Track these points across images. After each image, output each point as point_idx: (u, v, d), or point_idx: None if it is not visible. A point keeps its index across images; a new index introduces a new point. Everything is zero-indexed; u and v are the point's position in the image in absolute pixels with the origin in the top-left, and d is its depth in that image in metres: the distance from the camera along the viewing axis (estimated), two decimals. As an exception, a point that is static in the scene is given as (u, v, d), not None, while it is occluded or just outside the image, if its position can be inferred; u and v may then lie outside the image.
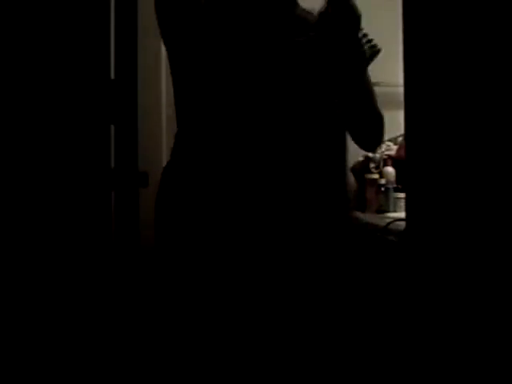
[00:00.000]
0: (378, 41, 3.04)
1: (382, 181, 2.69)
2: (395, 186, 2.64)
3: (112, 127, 1.52)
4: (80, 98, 1.44)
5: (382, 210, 2.59)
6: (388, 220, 2.00)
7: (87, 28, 1.44)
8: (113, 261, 1.65)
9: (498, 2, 1.24)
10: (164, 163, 2.21)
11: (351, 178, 2.82)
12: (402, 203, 2.46)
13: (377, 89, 2.94)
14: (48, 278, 1.53)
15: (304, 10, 1.81)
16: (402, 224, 1.65)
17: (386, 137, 2.89)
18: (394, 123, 2.50)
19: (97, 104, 1.46)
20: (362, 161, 2.85)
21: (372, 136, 1.90)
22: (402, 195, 2.48)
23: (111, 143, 1.51)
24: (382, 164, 2.78)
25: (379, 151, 2.80)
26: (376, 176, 2.72)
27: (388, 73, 2.75)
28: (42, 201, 1.49)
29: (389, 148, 2.82)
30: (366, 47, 1.81)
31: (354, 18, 1.70)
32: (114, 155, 1.58)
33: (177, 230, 1.71)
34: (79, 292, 1.55)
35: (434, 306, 1.38)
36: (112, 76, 1.50)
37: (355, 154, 2.87)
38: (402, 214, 1.85)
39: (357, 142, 1.89)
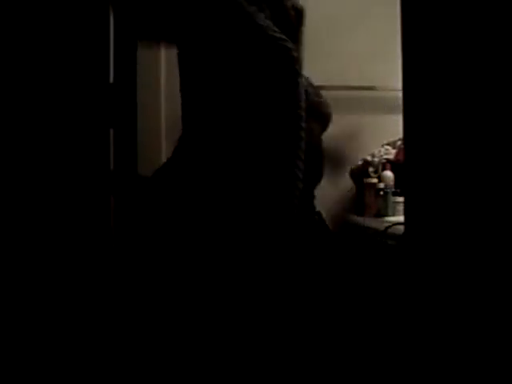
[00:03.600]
0: (375, 42, 3.06)
1: (381, 185, 2.68)
2: (394, 190, 2.63)
3: (111, 131, 1.52)
4: (79, 102, 1.44)
5: (381, 214, 2.58)
6: (387, 224, 1.99)
7: (87, 32, 1.44)
8: (112, 262, 1.64)
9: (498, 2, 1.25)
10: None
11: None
12: (401, 207, 2.46)
13: (375, 93, 2.96)
14: (48, 279, 1.53)
15: None
16: (401, 228, 1.64)
17: (385, 141, 2.92)
18: (393, 127, 2.50)
19: (96, 107, 1.45)
20: (361, 165, 2.84)
21: None
22: (401, 199, 2.47)
23: (111, 147, 1.51)
24: (380, 168, 2.77)
25: (378, 155, 2.80)
26: (375, 180, 2.72)
27: (386, 76, 2.76)
28: (43, 203, 1.49)
29: (387, 152, 2.81)
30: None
31: None
32: (113, 158, 1.59)
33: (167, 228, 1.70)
34: (79, 293, 1.55)
35: (433, 309, 1.37)
36: (111, 80, 1.50)
37: (354, 157, 2.89)
38: (401, 218, 1.85)
39: None
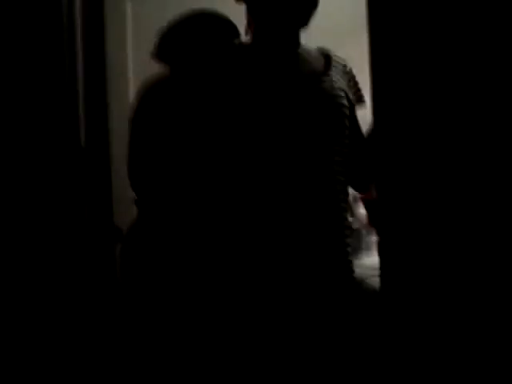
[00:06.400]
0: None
1: (355, 224, 2.69)
2: (367, 229, 2.64)
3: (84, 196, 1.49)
4: (50, 166, 1.42)
5: (356, 253, 2.57)
6: (361, 271, 2.00)
7: (56, 93, 1.42)
8: (90, 315, 1.62)
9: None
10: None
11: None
12: (375, 245, 2.47)
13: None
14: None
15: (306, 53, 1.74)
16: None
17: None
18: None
19: (67, 172, 1.42)
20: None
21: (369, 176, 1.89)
22: (374, 238, 2.48)
23: (84, 213, 1.48)
24: (353, 206, 2.79)
25: (350, 193, 2.80)
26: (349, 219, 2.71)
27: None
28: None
29: (359, 189, 2.82)
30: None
31: None
32: (88, 211, 1.56)
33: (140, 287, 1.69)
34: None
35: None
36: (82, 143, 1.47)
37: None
38: (376, 259, 1.85)
39: (355, 187, 1.89)
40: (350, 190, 2.83)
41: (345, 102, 1.67)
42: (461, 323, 1.32)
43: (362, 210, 2.75)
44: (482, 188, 1.31)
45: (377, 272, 1.60)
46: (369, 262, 2.38)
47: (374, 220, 2.65)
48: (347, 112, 1.69)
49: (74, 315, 1.54)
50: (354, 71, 1.81)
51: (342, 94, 1.68)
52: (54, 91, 1.38)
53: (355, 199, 2.81)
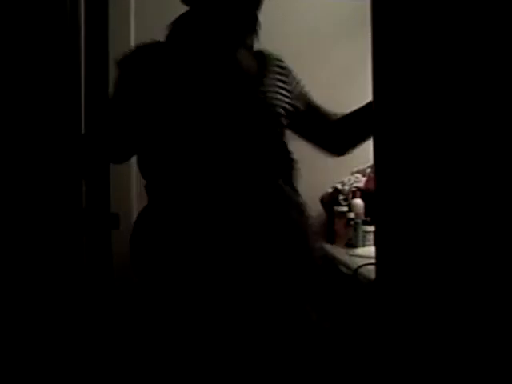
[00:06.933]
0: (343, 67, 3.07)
1: (351, 214, 2.71)
2: (364, 219, 2.66)
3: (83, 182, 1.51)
4: (51, 153, 1.44)
5: (351, 243, 2.62)
6: (356, 260, 2.02)
7: (58, 81, 1.44)
8: (85, 305, 1.64)
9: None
10: (134, 205, 2.22)
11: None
12: (371, 237, 2.50)
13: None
14: (20, 326, 1.52)
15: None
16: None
17: (355, 168, 2.95)
18: (362, 154, 2.54)
19: (67, 159, 1.45)
20: (331, 192, 2.87)
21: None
22: (371, 229, 2.50)
23: (83, 198, 1.51)
24: (350, 196, 2.80)
25: (348, 183, 2.84)
26: (345, 209, 2.75)
27: (354, 102, 2.80)
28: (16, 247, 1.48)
29: (357, 180, 2.85)
30: None
31: None
32: (85, 197, 1.58)
33: (150, 269, 1.72)
34: (52, 338, 1.54)
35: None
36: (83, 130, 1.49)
37: (324, 185, 2.92)
38: (371, 249, 1.87)
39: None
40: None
41: (280, 97, 1.77)
42: (457, 313, 1.33)
43: (359, 201, 2.77)
44: (481, 180, 1.32)
45: (370, 261, 1.62)
46: (362, 251, 2.41)
47: (370, 210, 2.67)
48: (284, 106, 1.78)
49: (70, 301, 1.56)
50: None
51: (276, 90, 1.77)
52: (55, 78, 1.41)
53: (353, 191, 2.83)
